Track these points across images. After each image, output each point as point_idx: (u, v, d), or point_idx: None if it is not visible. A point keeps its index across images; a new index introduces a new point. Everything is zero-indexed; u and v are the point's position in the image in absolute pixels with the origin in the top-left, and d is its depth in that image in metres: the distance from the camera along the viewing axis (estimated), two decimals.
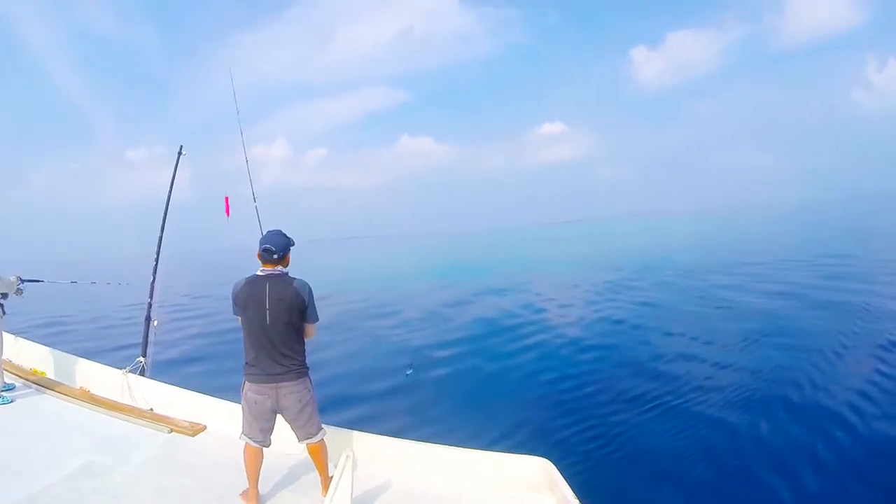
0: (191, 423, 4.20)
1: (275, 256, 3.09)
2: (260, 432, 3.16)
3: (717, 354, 8.89)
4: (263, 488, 3.26)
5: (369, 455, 3.58)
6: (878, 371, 7.34)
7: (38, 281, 5.18)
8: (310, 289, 3.13)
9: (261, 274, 3.11)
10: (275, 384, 3.07)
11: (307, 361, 3.23)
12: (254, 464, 3.18)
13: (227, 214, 5.08)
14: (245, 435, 3.18)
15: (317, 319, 3.21)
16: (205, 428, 4.16)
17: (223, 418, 4.04)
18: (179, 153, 5.26)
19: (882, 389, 6.74)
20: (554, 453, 4.85)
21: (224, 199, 5.01)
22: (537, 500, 3.19)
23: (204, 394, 4.42)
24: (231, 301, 3.12)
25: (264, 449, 3.23)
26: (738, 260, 22.88)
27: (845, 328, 9.61)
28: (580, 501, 2.86)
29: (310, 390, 3.19)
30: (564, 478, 3.10)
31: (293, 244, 3.22)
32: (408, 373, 8.01)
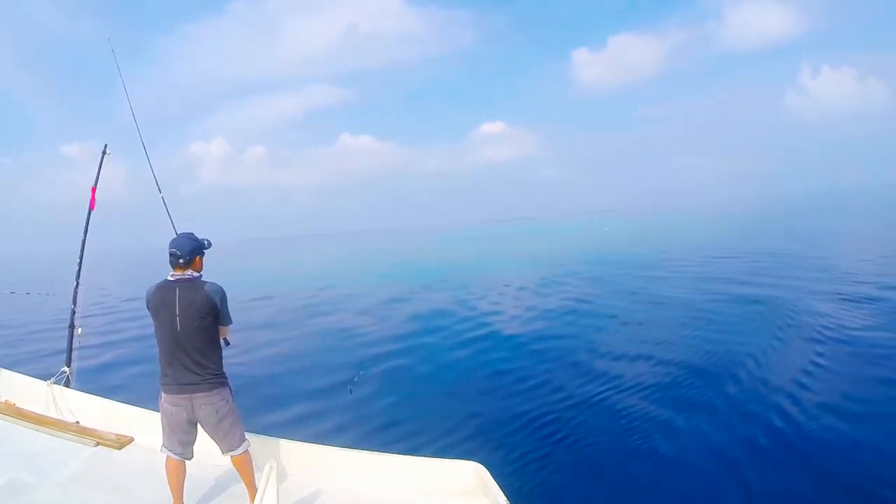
0: (117, 435, 4.06)
1: (181, 261, 3.00)
2: (179, 444, 3.06)
3: (654, 349, 9.03)
4: (189, 501, 3.17)
5: (298, 464, 3.53)
6: (813, 362, 7.60)
7: None
8: (223, 293, 3.05)
9: (171, 279, 3.01)
10: (188, 395, 2.97)
11: (225, 370, 3.15)
12: (176, 477, 3.08)
13: (92, 207, 4.84)
14: (165, 447, 3.08)
15: (230, 322, 3.14)
16: (132, 440, 4.03)
17: (151, 430, 3.89)
18: (104, 152, 5.02)
19: (817, 379, 7.00)
20: (494, 454, 4.85)
21: (90, 190, 4.79)
22: None
23: (131, 405, 4.27)
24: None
25: (190, 461, 3.13)
26: (673, 256, 23.75)
27: (780, 322, 9.96)
28: None
29: (228, 401, 3.10)
30: (497, 481, 3.10)
31: (207, 247, 3.12)
32: (349, 387, 7.87)
